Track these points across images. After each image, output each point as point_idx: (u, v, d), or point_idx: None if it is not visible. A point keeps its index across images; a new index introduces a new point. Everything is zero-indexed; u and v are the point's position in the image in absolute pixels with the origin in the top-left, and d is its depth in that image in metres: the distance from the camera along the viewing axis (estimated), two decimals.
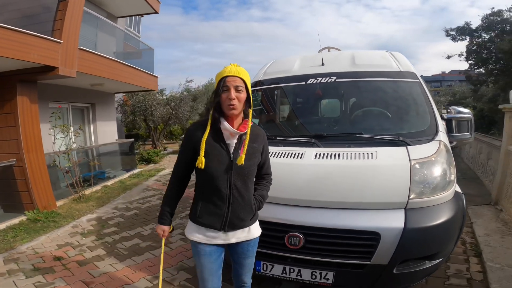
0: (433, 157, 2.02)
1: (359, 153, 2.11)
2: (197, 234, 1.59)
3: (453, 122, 2.55)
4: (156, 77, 8.73)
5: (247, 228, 1.63)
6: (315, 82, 2.84)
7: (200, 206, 1.58)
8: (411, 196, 1.89)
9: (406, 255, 1.86)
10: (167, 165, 9.74)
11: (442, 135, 2.24)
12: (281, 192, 2.09)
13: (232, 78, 1.47)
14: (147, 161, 10.06)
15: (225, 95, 1.47)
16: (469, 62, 12.56)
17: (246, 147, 1.51)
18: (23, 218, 4.62)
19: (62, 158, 5.55)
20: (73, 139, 5.90)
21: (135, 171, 8.54)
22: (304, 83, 2.89)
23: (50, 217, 4.66)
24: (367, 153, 2.09)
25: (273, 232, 2.05)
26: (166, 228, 1.67)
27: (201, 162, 1.46)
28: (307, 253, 1.98)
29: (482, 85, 14.02)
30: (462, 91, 22.93)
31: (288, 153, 2.27)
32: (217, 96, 1.49)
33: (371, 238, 1.85)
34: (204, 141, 1.48)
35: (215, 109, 1.51)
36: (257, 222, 1.71)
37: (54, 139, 5.44)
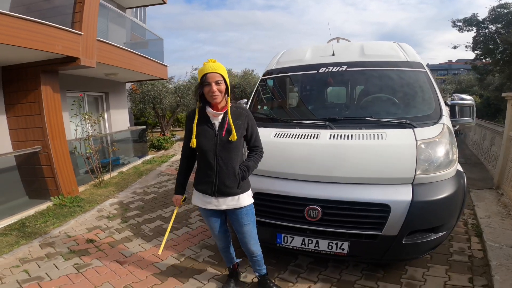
0: (437, 138, 2.24)
1: (370, 134, 2.33)
2: (196, 199, 2.05)
3: (456, 107, 2.75)
4: (166, 66, 8.92)
5: (236, 197, 1.96)
6: (326, 71, 3.06)
7: (197, 175, 2.01)
8: (417, 172, 2.12)
9: (413, 226, 2.10)
10: (177, 151, 9.97)
11: (446, 119, 2.45)
12: (299, 169, 2.34)
13: (212, 75, 1.80)
14: (158, 147, 10.35)
15: (207, 89, 1.81)
16: (475, 52, 12.55)
17: (226, 124, 1.87)
18: (49, 203, 4.87)
19: (82, 145, 5.81)
20: (93, 127, 6.13)
21: (147, 157, 8.84)
22: (316, 71, 3.12)
23: (75, 202, 4.91)
24: (377, 134, 2.31)
25: (294, 206, 2.29)
26: (179, 197, 2.12)
27: (192, 142, 1.89)
28: (325, 224, 2.23)
29: (489, 74, 14.05)
30: (469, 79, 22.79)
31: (305, 134, 2.50)
32: (200, 89, 1.86)
33: (382, 210, 2.09)
34: (195, 125, 1.90)
35: (200, 99, 1.90)
36: (248, 192, 2.02)
37: (76, 126, 5.70)
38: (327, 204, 2.20)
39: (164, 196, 5.29)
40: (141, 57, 7.41)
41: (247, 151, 2.11)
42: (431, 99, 2.60)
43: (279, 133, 2.63)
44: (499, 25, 11.24)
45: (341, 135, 2.39)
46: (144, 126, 9.61)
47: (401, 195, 2.08)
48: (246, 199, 2.01)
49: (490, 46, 11.53)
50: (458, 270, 2.64)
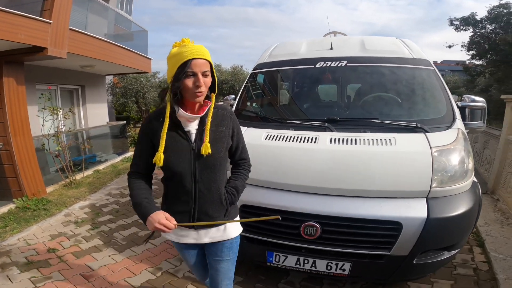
0: (452, 145, 1.96)
1: (377, 139, 2.03)
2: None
3: (467, 110, 2.49)
4: (150, 59, 8.47)
5: (222, 227, 1.43)
6: (324, 65, 2.76)
7: (167, 202, 1.41)
8: (433, 185, 1.83)
9: (427, 245, 1.81)
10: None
11: (460, 123, 2.18)
12: (295, 178, 2.01)
13: (198, 62, 1.22)
14: None
15: (190, 81, 1.22)
16: (470, 52, 12.56)
17: (208, 132, 1.30)
18: (11, 206, 4.39)
19: (52, 142, 5.30)
20: (62, 122, 5.62)
21: (127, 154, 8.34)
22: (313, 66, 2.82)
23: (41, 204, 4.45)
24: (385, 139, 2.01)
25: (288, 222, 1.96)
26: (163, 215, 1.25)
27: (159, 159, 1.26)
28: (324, 243, 1.91)
29: (480, 76, 14.14)
30: (454, 80, 23.21)
31: (301, 137, 2.18)
32: (177, 81, 1.22)
33: (392, 228, 1.79)
34: (165, 134, 1.28)
35: (175, 96, 1.26)
36: (237, 220, 1.51)
37: (43, 121, 5.18)
38: (327, 221, 1.89)
39: None
40: (122, 49, 6.93)
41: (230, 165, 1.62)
42: (442, 100, 2.32)
43: (271, 135, 2.30)
44: (497, 25, 11.24)
45: (343, 139, 2.08)
46: (125, 122, 9.05)
47: (415, 211, 1.79)
48: (234, 229, 1.49)
49: (486, 46, 11.53)
50: (464, 285, 2.43)
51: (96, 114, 8.15)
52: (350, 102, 2.96)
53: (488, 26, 11.66)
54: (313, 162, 2.02)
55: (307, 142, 2.13)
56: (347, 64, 2.69)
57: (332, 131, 2.20)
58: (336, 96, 2.94)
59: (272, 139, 2.25)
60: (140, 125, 13.87)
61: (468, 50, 12.41)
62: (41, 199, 4.64)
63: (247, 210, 2.04)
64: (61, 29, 4.62)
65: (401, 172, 1.86)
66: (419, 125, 2.07)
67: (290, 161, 2.07)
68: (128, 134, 10.24)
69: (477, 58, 12.44)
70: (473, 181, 2.05)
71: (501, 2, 11.16)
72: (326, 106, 2.74)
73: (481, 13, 12.05)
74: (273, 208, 2.00)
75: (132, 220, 3.99)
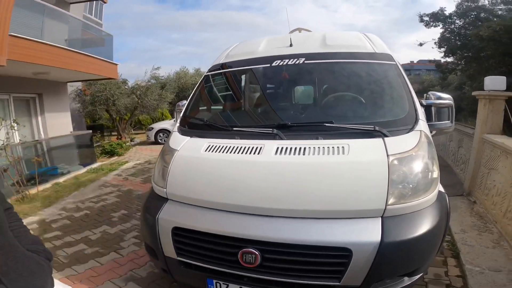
0: (413, 151, 1.68)
1: (329, 147, 1.74)
2: None
3: (433, 109, 2.23)
4: (116, 64, 8.15)
5: None
6: (281, 64, 2.48)
7: None
8: (390, 201, 1.54)
9: (383, 273, 1.52)
10: (132, 157, 9.12)
11: (423, 124, 1.91)
12: (233, 197, 1.71)
13: None
14: (110, 153, 9.29)
15: None
16: (441, 49, 12.47)
17: None
18: None
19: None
20: (10, 134, 5.15)
21: (94, 165, 7.83)
22: (269, 65, 2.54)
23: None
24: (338, 147, 1.73)
25: (225, 247, 1.66)
26: None
27: None
28: (265, 272, 1.60)
29: (451, 73, 14.15)
30: (430, 79, 23.57)
31: (244, 148, 1.88)
32: None
33: (341, 255, 1.49)
34: None
35: None
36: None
37: None
38: (267, 247, 1.58)
39: (98, 213, 4.47)
40: (81, 55, 6.59)
41: None
42: (404, 99, 2.05)
43: (212, 146, 2.00)
44: (467, 20, 11.16)
45: (290, 149, 1.79)
46: (90, 131, 8.53)
47: (367, 235, 1.49)
48: None
49: (458, 43, 11.46)
50: None
51: (57, 124, 7.64)
52: (307, 103, 2.67)
53: (457, 21, 11.61)
54: (254, 178, 1.72)
55: (250, 153, 1.83)
56: (305, 62, 2.42)
57: (281, 138, 1.89)
58: (293, 97, 2.65)
59: (212, 151, 1.96)
60: (115, 134, 13.23)
61: (439, 47, 12.33)
62: None
63: (180, 233, 1.77)
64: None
65: (353, 187, 1.58)
66: (377, 128, 1.79)
67: (229, 177, 1.77)
68: (98, 143, 9.70)
69: (449, 55, 12.37)
70: (439, 192, 1.78)
71: None
72: (281, 109, 2.44)
73: (451, 9, 11.98)
74: (207, 231, 1.69)
75: (81, 236, 3.64)
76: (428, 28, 12.34)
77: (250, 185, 1.70)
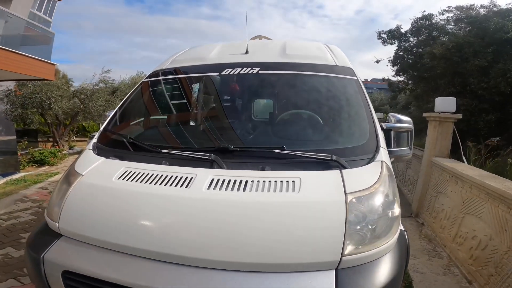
0: (374, 188, 1.42)
1: (276, 181, 1.41)
2: None
3: (392, 133, 2.03)
4: (53, 64, 7.40)
5: None
6: (232, 73, 2.14)
7: None
8: (346, 251, 1.25)
9: None
10: (65, 167, 8.02)
11: (384, 153, 1.67)
12: (145, 241, 1.31)
13: None
14: (40, 162, 8.13)
15: None
16: (394, 67, 12.94)
17: None
18: None
19: None
20: None
21: (16, 175, 6.75)
22: (218, 74, 2.20)
23: None
24: (288, 181, 1.40)
25: None
26: None
27: None
28: None
29: (401, 92, 14.87)
30: (381, 98, 25.02)
31: (170, 177, 1.48)
32: None
33: None
34: None
35: None
36: None
37: None
38: None
39: (5, 232, 3.71)
40: (7, 52, 5.72)
41: None
42: (364, 121, 1.82)
43: (128, 173, 1.58)
44: (420, 38, 11.63)
45: (228, 182, 1.42)
46: (14, 136, 7.41)
47: None
48: None
49: (409, 61, 11.99)
50: None
51: None
52: (257, 122, 2.35)
53: (411, 39, 12.17)
54: (177, 219, 1.34)
55: (176, 185, 1.43)
56: (259, 72, 2.11)
57: (220, 167, 1.52)
58: (242, 113, 2.31)
59: (127, 179, 1.53)
60: (51, 141, 11.89)
61: (393, 65, 12.83)
62: None
63: (74, 279, 1.35)
64: None
65: (302, 235, 1.25)
66: (334, 158, 1.51)
67: (143, 216, 1.37)
68: (25, 151, 8.48)
69: (400, 73, 12.91)
70: (400, 231, 1.54)
71: (424, 13, 11.18)
72: (225, 128, 2.09)
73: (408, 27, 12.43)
74: (108, 281, 1.27)
75: None
76: (385, 45, 12.72)
77: (170, 227, 1.31)
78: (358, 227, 1.30)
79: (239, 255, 1.23)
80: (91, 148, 1.93)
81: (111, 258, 1.33)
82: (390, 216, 1.41)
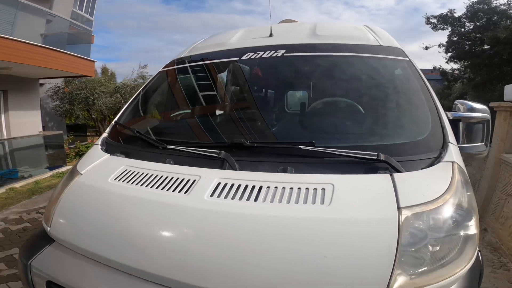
0: (443, 199, 1.00)
1: (300, 188, 1.06)
2: None
3: (461, 124, 1.55)
4: (93, 61, 7.59)
5: None
6: (253, 57, 1.81)
7: None
8: (397, 284, 0.87)
9: None
10: None
11: (455, 151, 1.22)
12: (133, 258, 1.05)
13: None
14: None
15: None
16: (449, 54, 11.67)
17: None
18: None
19: None
20: None
21: (63, 168, 7.10)
22: (238, 58, 1.89)
23: None
24: (315, 189, 1.05)
25: None
26: None
27: None
28: None
29: (457, 82, 13.33)
30: (434, 89, 22.71)
31: (170, 179, 1.21)
32: None
33: None
34: None
35: None
36: None
37: None
38: None
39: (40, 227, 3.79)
40: (49, 50, 5.99)
41: None
42: (424, 109, 1.37)
43: (126, 172, 1.34)
44: (478, 23, 10.37)
45: (237, 188, 1.11)
46: (61, 132, 7.84)
47: None
48: None
49: (466, 47, 10.71)
50: None
51: (25, 123, 6.98)
52: (283, 113, 1.98)
53: (467, 24, 10.85)
54: (169, 233, 1.06)
55: (175, 190, 1.15)
56: (285, 54, 1.75)
57: (231, 167, 1.21)
58: (265, 103, 1.97)
59: (124, 180, 1.29)
60: (96, 135, 12.64)
61: (446, 51, 11.56)
62: None
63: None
64: None
65: (332, 263, 0.89)
66: (382, 157, 1.10)
67: (133, 225, 1.11)
68: (72, 146, 8.96)
69: (455, 60, 11.55)
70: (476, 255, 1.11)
71: None
72: (243, 120, 1.76)
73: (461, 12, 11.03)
74: None
75: (6, 254, 3.06)
76: (435, 31, 11.51)
77: (160, 243, 1.03)
78: (416, 254, 0.91)
79: (244, 285, 0.91)
80: (99, 143, 1.74)
81: (99, 273, 1.11)
82: (463, 237, 0.99)
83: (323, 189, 1.03)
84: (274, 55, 1.76)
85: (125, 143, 1.67)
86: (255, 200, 1.03)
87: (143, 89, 2.13)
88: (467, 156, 1.57)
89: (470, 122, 1.55)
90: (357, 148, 1.16)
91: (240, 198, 1.04)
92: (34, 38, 5.83)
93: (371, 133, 1.38)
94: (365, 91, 1.59)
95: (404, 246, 0.90)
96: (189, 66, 2.15)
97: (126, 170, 1.35)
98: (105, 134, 1.84)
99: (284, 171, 1.13)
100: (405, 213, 0.93)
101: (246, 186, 1.09)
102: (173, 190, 1.14)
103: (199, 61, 2.12)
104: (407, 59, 1.68)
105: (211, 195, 1.08)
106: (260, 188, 1.07)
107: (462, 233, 0.98)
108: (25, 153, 6.69)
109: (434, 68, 13.26)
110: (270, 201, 1.01)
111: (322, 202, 0.98)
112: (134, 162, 1.41)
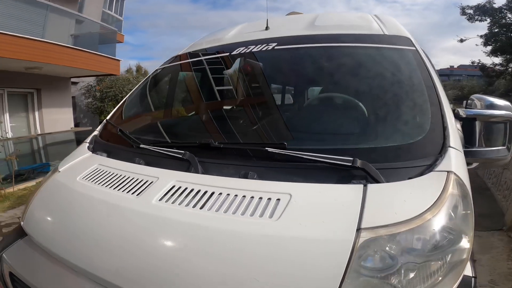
0: (421, 219, 0.79)
1: (252, 197, 0.93)
2: None
3: (477, 124, 1.31)
4: (118, 60, 7.89)
5: None
6: (244, 51, 1.71)
7: None
8: None
9: None
10: None
11: (455, 157, 0.99)
12: (81, 258, 1.01)
13: None
14: None
15: None
16: (487, 47, 10.62)
17: None
18: None
19: None
20: None
21: None
22: (228, 54, 1.81)
23: None
24: (269, 199, 0.91)
25: None
26: None
27: None
28: None
29: (499, 78, 12.10)
30: (472, 85, 20.97)
31: (131, 180, 1.15)
32: None
33: None
34: None
35: None
36: None
37: None
38: None
39: None
40: (75, 50, 6.34)
41: None
42: (423, 106, 1.16)
43: (95, 171, 1.32)
44: None
45: (189, 192, 1.00)
46: (91, 127, 8.30)
47: None
48: None
49: (508, 39, 9.66)
50: None
51: (56, 120, 7.42)
52: (265, 110, 1.83)
53: (509, 15, 9.75)
54: (113, 236, 0.99)
55: (130, 191, 1.08)
56: (276, 48, 1.62)
57: (194, 170, 1.11)
58: (247, 101, 1.84)
59: (89, 179, 1.26)
60: None
61: (485, 44, 10.49)
62: None
63: (17, 282, 1.18)
64: None
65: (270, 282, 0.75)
66: (359, 163, 0.92)
67: (87, 226, 1.07)
68: None
69: (497, 54, 10.44)
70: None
71: None
72: (223, 119, 1.65)
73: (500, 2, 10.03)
74: None
75: None
76: (472, 22, 10.64)
77: (104, 246, 0.98)
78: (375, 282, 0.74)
79: None
80: (88, 141, 1.74)
81: (53, 271, 1.09)
82: (446, 266, 0.80)
83: (278, 199, 0.88)
84: (264, 49, 1.63)
85: (109, 142, 1.65)
86: (201, 207, 0.92)
87: (138, 87, 2.10)
88: (485, 162, 1.34)
89: (489, 122, 1.31)
90: (336, 152, 0.99)
91: (187, 204, 0.94)
92: (63, 39, 6.16)
93: (354, 135, 1.20)
94: (354, 86, 1.40)
95: (353, 278, 0.73)
96: (181, 64, 2.09)
97: (96, 169, 1.33)
98: (95, 132, 1.84)
99: (245, 176, 1.00)
100: (365, 236, 0.76)
101: (199, 191, 0.98)
102: (128, 192, 1.07)
103: (192, 59, 2.05)
104: (413, 48, 1.46)
105: (160, 199, 0.99)
106: (212, 194, 0.96)
107: (443, 260, 0.79)
108: (57, 148, 7.09)
109: (473, 62, 12.19)
110: (216, 210, 0.89)
111: (271, 215, 0.84)
112: (107, 161, 1.38)
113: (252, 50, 1.67)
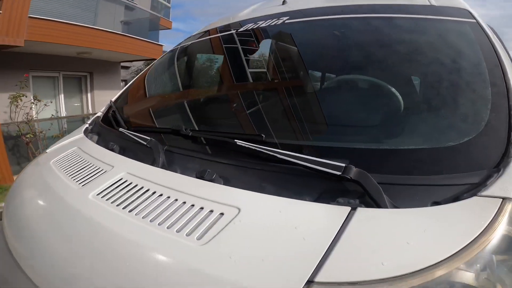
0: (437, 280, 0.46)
1: (193, 205, 0.70)
2: None
3: None
4: (161, 45, 8.02)
5: None
6: (252, 28, 1.48)
7: None
8: None
9: None
10: None
11: None
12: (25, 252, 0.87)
13: None
14: None
15: None
16: None
17: None
18: None
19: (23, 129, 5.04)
20: (35, 110, 5.51)
21: None
22: (235, 31, 1.59)
23: (2, 190, 4.21)
24: (210, 212, 0.66)
25: None
26: None
27: None
28: None
29: None
30: None
31: (90, 167, 1.01)
32: None
33: None
34: None
35: None
36: None
37: (15, 108, 5.06)
38: None
39: None
40: (118, 35, 6.54)
41: None
42: (483, 93, 0.78)
43: (69, 156, 1.20)
44: None
45: (130, 189, 0.81)
46: None
47: None
48: None
49: None
50: None
51: (106, 101, 7.82)
52: (259, 96, 1.54)
53: None
54: (45, 229, 0.84)
55: (80, 180, 0.93)
56: (286, 22, 1.34)
57: (156, 161, 0.91)
58: (245, 85, 1.58)
59: (60, 163, 1.14)
60: None
61: None
62: (5, 185, 4.37)
63: None
64: (15, 18, 4.57)
65: None
66: (353, 172, 0.60)
67: (30, 213, 0.96)
68: None
69: None
70: None
71: None
72: (213, 102, 1.41)
73: None
74: None
75: None
76: None
77: (40, 240, 0.82)
78: None
79: None
80: (88, 123, 1.65)
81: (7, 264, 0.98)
82: None
83: (221, 214, 0.64)
84: (275, 23, 1.37)
85: (104, 123, 1.53)
86: (130, 210, 0.72)
87: (148, 68, 1.98)
88: None
89: None
90: (336, 152, 0.72)
91: (119, 204, 0.75)
92: (112, 26, 6.43)
93: (369, 129, 0.88)
94: (383, 65, 1.03)
95: None
96: (194, 42, 1.90)
97: (71, 152, 1.21)
98: (99, 113, 1.75)
99: (201, 175, 0.77)
100: None
101: (140, 189, 0.79)
102: (77, 181, 0.92)
103: (206, 36, 1.86)
104: (474, 21, 1.06)
105: (98, 193, 0.82)
106: (152, 194, 0.76)
107: None
108: None
109: None
110: (143, 217, 0.69)
111: (201, 236, 0.60)
112: (87, 145, 1.25)
113: (261, 26, 1.41)
